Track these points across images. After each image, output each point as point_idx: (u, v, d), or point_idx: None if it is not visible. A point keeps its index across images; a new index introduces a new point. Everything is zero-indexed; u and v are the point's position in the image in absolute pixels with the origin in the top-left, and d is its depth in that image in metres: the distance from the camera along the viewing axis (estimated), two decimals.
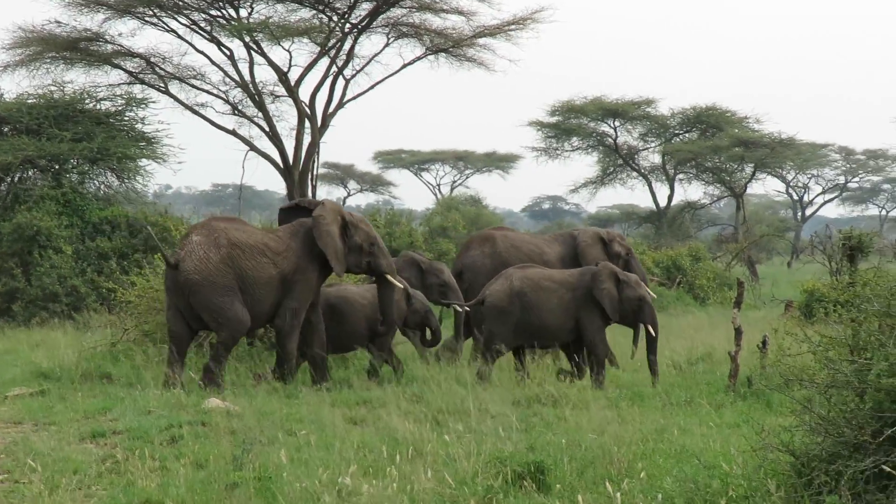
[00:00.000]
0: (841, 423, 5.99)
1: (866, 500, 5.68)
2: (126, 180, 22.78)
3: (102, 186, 22.60)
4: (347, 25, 25.53)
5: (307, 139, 25.87)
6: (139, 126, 22.82)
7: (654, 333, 12.24)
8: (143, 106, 23.03)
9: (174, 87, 25.84)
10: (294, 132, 25.97)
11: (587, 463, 7.31)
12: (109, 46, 24.99)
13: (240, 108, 26.55)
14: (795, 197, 58.10)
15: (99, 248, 19.62)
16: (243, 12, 25.16)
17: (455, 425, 8.73)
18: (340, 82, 26.04)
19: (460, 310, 13.75)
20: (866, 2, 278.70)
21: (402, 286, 12.84)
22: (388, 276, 12.51)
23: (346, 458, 7.56)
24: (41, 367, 12.48)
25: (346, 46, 25.79)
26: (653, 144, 43.42)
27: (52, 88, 22.71)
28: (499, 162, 58.84)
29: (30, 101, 21.87)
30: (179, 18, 25.07)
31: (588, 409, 9.56)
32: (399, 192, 74.30)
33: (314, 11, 25.37)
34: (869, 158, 58.55)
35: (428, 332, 13.33)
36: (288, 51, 25.35)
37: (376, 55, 26.14)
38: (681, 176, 43.37)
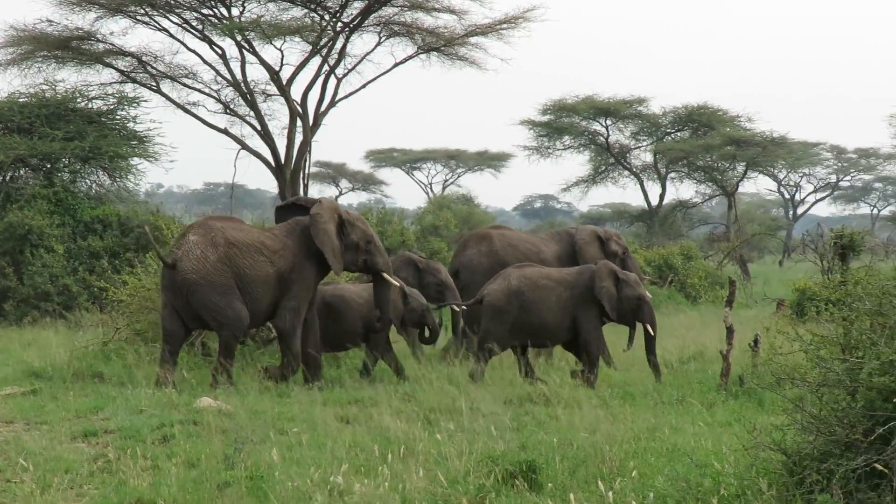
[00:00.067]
0: (832, 421, 6.00)
1: (858, 499, 5.69)
2: (118, 179, 22.75)
3: (94, 185, 22.57)
4: (339, 24, 25.54)
5: (299, 138, 25.87)
6: (131, 125, 22.82)
7: (652, 333, 12.25)
8: (135, 105, 23.04)
9: (166, 86, 25.88)
10: (286, 131, 25.98)
11: (579, 462, 7.31)
12: (101, 45, 24.99)
13: (231, 106, 26.56)
14: (787, 196, 58.04)
15: (91, 247, 19.60)
16: (235, 11, 25.20)
17: (447, 424, 8.73)
18: (332, 81, 26.10)
19: (458, 309, 13.74)
20: (858, 2, 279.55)
21: (398, 284, 12.83)
22: (385, 275, 12.51)
23: (337, 457, 7.55)
24: (33, 367, 12.45)
25: (338, 45, 25.81)
26: (644, 143, 43.43)
27: (44, 87, 22.71)
28: (490, 161, 58.71)
29: (21, 100, 21.86)
30: (171, 17, 25.08)
31: (580, 408, 9.54)
32: (391, 190, 74.33)
33: (306, 10, 25.39)
34: (860, 157, 58.50)
35: (426, 331, 13.34)
36: (280, 49, 25.41)
37: (368, 54, 26.23)
38: (672, 175, 43.35)
